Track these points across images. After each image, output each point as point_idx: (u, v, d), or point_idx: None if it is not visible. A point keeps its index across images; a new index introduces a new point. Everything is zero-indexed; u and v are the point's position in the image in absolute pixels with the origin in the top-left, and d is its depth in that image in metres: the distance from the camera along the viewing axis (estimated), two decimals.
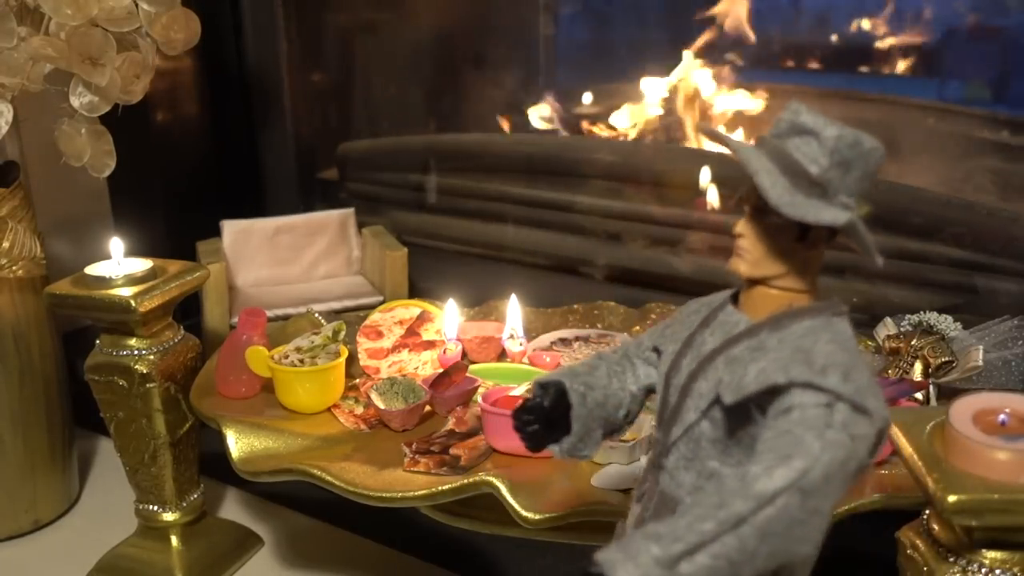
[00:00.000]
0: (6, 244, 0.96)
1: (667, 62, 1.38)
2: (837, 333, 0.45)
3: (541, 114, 1.48)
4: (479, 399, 0.79)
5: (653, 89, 1.39)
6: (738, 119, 1.35)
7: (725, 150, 0.48)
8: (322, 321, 0.94)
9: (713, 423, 0.48)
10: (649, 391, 0.55)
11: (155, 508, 0.92)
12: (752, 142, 0.48)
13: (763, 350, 0.45)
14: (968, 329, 0.87)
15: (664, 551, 0.40)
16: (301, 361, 0.84)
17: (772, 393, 0.44)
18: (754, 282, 0.48)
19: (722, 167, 1.23)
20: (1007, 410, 0.56)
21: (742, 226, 0.48)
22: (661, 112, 1.38)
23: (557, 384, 0.53)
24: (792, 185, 0.44)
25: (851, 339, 0.46)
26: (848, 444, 0.42)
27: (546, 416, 0.53)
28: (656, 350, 0.54)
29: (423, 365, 0.92)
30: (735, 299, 0.51)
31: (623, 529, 0.54)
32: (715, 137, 0.50)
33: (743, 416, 0.47)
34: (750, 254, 0.48)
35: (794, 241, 0.47)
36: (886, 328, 0.89)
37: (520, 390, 0.78)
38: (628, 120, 1.41)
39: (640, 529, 0.41)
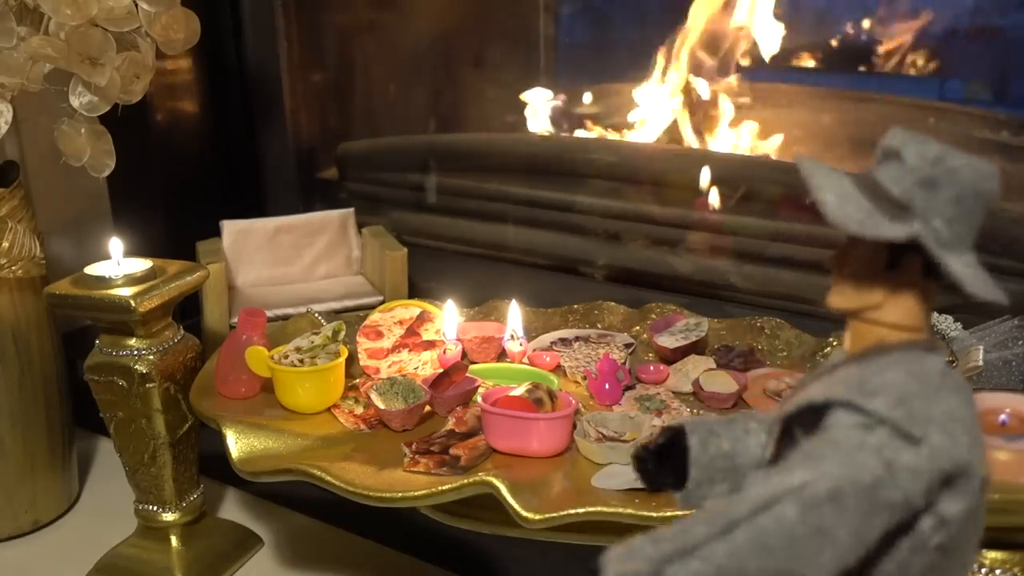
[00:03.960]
0: (6, 244, 0.96)
1: (667, 62, 1.38)
2: (920, 366, 0.41)
3: (541, 115, 1.48)
4: (479, 399, 0.79)
5: (653, 90, 1.39)
6: (738, 119, 1.35)
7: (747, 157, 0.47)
8: (322, 321, 0.94)
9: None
10: None
11: (155, 508, 0.92)
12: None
13: (832, 379, 0.42)
14: (968, 329, 0.86)
15: (656, 550, 0.37)
16: (301, 361, 0.84)
17: (816, 415, 0.41)
18: (853, 317, 0.45)
19: (722, 167, 1.22)
20: (1007, 410, 0.56)
21: (833, 258, 0.45)
22: (659, 113, 1.38)
23: (678, 427, 0.51)
24: (876, 208, 0.41)
25: (937, 375, 0.41)
26: (878, 470, 0.38)
27: (656, 455, 0.52)
28: None
29: (423, 365, 0.92)
30: None
31: None
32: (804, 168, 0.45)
33: (790, 443, 0.45)
34: (839, 285, 0.45)
35: (884, 270, 0.43)
36: None
37: (520, 390, 0.77)
38: (629, 121, 1.41)
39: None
